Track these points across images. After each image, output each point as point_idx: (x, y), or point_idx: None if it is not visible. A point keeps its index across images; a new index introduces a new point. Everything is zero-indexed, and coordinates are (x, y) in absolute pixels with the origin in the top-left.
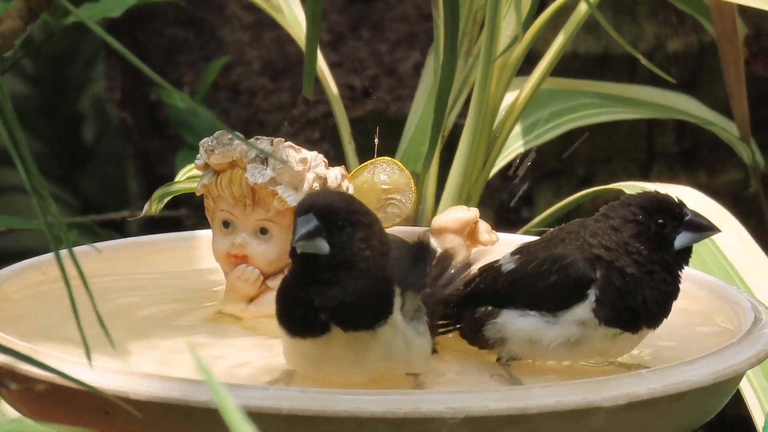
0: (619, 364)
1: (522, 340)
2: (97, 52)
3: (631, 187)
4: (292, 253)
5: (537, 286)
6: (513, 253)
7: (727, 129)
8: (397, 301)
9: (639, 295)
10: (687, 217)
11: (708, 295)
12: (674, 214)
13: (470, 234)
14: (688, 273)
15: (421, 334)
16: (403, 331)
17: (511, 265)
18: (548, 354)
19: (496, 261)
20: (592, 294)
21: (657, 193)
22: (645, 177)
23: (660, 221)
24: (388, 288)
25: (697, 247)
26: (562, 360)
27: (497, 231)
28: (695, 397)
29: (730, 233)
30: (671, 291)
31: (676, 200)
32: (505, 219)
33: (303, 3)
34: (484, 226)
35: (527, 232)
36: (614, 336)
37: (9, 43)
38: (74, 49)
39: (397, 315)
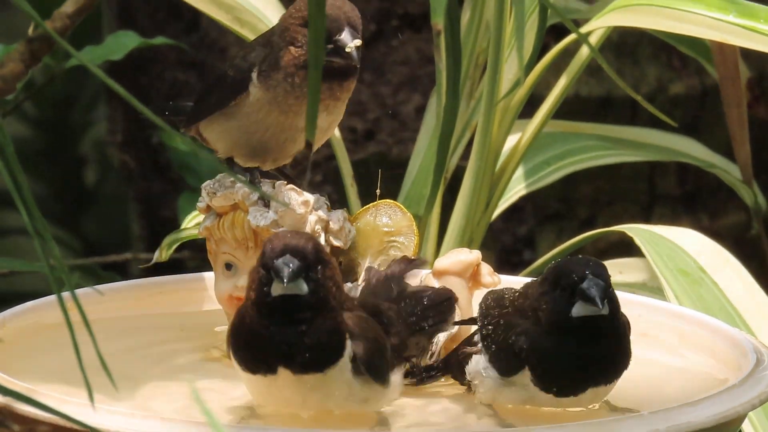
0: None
1: (487, 394)
2: (99, 95)
3: (633, 229)
4: (262, 294)
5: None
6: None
7: (729, 171)
8: (350, 347)
9: (557, 366)
10: (579, 286)
11: (710, 336)
12: (571, 283)
13: (472, 276)
14: (690, 315)
15: (378, 381)
16: (350, 378)
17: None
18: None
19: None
20: (526, 366)
21: (568, 260)
22: (647, 219)
23: (559, 291)
24: (342, 330)
25: (699, 290)
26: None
27: (499, 273)
28: None
29: (732, 275)
30: (593, 355)
31: (581, 269)
32: (507, 261)
33: None
34: (486, 269)
35: (529, 275)
36: (559, 399)
37: (10, 86)
38: (76, 92)
39: (346, 361)
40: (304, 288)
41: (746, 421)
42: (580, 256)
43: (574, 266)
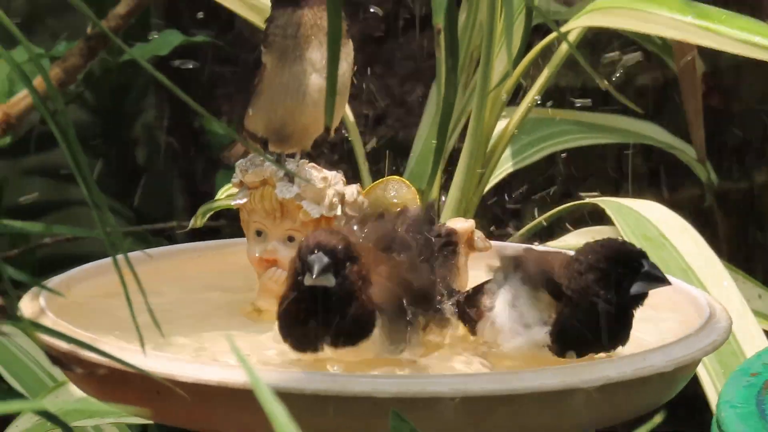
0: None
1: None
2: (148, 86)
3: (604, 201)
4: (297, 284)
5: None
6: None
7: (686, 152)
8: (378, 322)
9: (589, 333)
10: (644, 269)
11: (671, 293)
12: (633, 266)
13: (467, 241)
14: None
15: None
16: (382, 343)
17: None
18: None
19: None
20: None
21: (621, 244)
22: (616, 193)
23: (620, 270)
24: (371, 310)
25: (661, 254)
26: None
27: (490, 239)
28: (660, 379)
29: (689, 241)
30: (622, 326)
31: (638, 252)
32: (497, 229)
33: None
34: (479, 235)
35: (515, 240)
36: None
37: (72, 77)
38: (129, 82)
39: (377, 332)
40: (331, 281)
41: (701, 365)
42: (612, 239)
43: (627, 251)
